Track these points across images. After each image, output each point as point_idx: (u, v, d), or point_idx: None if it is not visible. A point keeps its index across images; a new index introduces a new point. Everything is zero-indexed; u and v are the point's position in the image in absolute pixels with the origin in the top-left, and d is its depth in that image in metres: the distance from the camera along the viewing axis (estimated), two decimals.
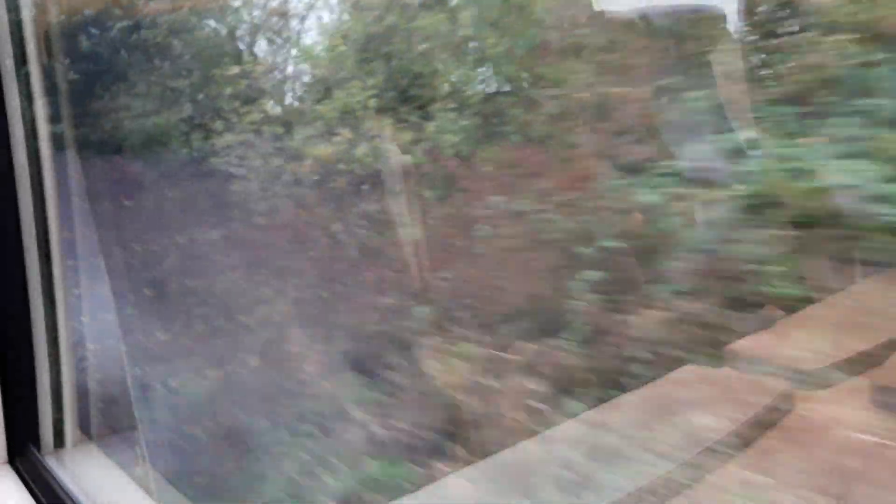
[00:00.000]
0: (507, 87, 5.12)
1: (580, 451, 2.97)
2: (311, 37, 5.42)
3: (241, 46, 5.31)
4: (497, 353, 3.93)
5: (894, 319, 3.19)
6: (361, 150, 4.65)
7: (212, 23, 5.29)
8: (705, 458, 2.71)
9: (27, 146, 2.19)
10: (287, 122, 5.01)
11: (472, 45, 5.26)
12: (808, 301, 3.48)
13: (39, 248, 2.18)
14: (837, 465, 2.75)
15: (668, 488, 2.70)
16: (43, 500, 1.90)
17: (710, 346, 3.34)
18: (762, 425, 2.98)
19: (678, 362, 3.23)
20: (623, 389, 3.19)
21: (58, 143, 2.32)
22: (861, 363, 3.25)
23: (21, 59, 2.18)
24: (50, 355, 2.16)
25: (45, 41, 2.35)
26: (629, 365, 3.34)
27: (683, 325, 3.54)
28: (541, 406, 3.39)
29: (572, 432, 3.12)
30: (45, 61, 2.33)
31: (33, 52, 2.24)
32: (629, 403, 3.11)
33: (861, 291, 3.54)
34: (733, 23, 4.57)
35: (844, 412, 3.00)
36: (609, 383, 3.30)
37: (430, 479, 3.08)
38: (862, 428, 2.91)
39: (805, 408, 3.05)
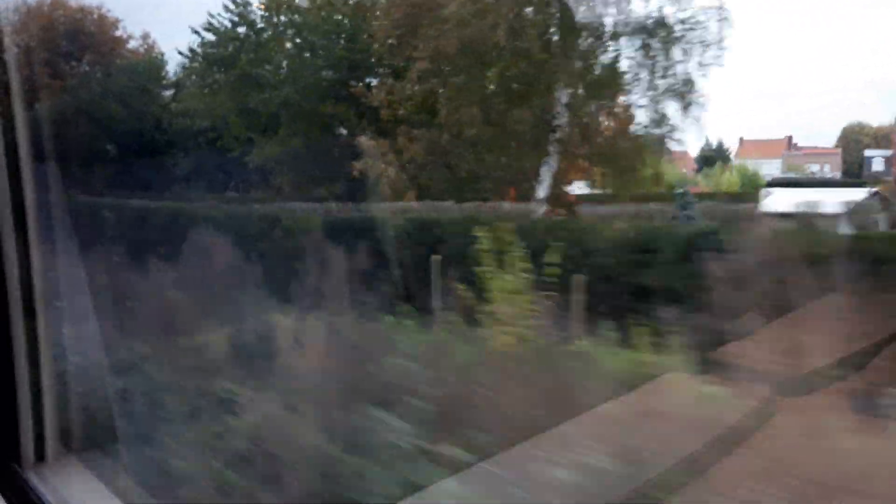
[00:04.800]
0: None
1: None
2: None
3: None
4: None
5: (875, 328, 3.23)
6: None
7: None
8: (684, 466, 2.73)
9: (6, 156, 2.16)
10: None
11: None
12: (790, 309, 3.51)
13: (19, 259, 2.15)
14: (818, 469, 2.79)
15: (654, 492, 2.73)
16: None
17: (693, 353, 3.35)
18: (743, 432, 3.01)
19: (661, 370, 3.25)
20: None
21: (38, 153, 2.29)
22: (841, 369, 3.29)
23: None
24: (30, 369, 2.13)
25: None
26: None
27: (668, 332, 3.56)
28: None
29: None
30: None
31: None
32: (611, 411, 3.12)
33: (837, 301, 3.58)
34: None
35: (825, 417, 3.03)
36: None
37: None
38: (842, 432, 2.95)
39: (786, 413, 3.08)
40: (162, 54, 18.13)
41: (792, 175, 16.94)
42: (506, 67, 11.22)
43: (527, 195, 11.95)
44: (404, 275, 7.97)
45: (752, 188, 14.86)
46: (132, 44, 18.26)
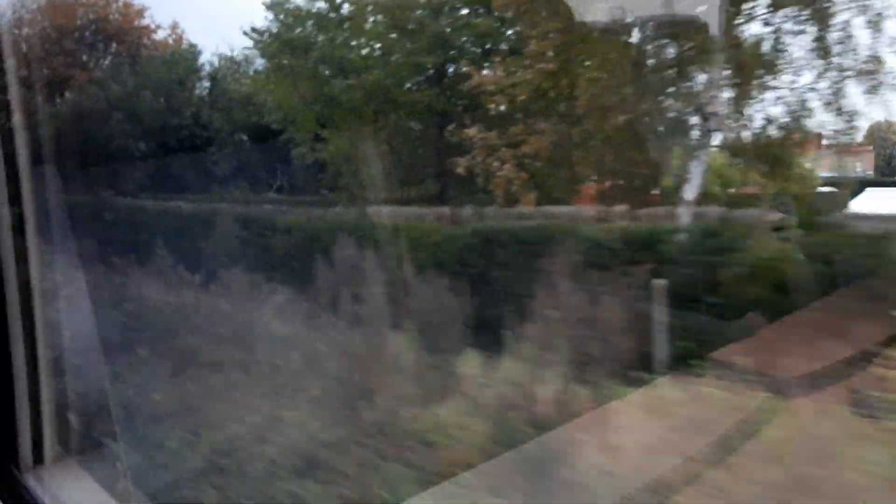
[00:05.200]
0: None
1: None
2: None
3: None
4: None
5: (876, 329, 3.21)
6: None
7: None
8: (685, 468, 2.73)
9: (3, 153, 2.15)
10: None
11: None
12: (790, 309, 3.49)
13: (17, 260, 2.13)
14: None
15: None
16: None
17: (693, 355, 3.33)
18: (742, 434, 3.01)
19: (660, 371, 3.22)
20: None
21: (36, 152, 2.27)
22: (843, 371, 3.28)
23: None
24: (28, 370, 2.12)
25: None
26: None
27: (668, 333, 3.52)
28: None
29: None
30: None
31: None
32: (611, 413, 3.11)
33: (842, 300, 3.55)
34: None
35: (825, 419, 3.02)
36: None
37: None
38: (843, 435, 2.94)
39: (786, 415, 3.08)
40: (194, 45, 17.15)
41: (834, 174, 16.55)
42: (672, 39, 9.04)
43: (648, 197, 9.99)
44: (629, 311, 5.36)
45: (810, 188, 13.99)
46: (160, 34, 17.61)
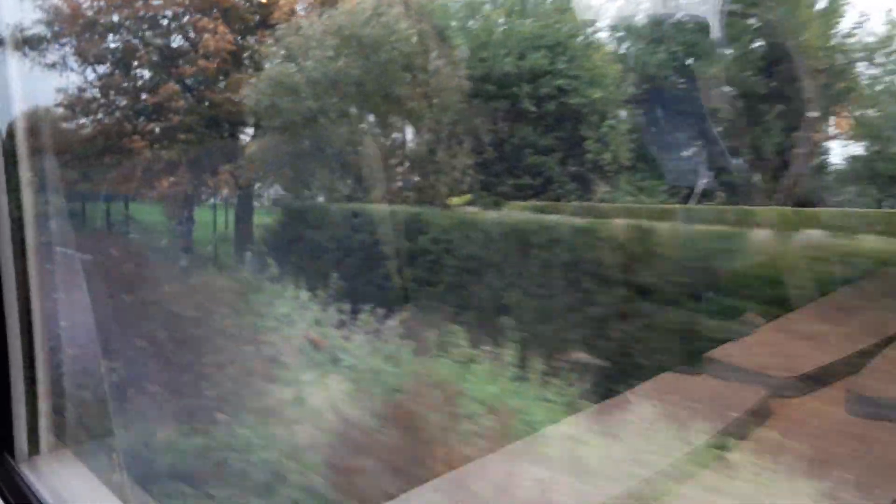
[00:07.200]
0: None
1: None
2: None
3: None
4: None
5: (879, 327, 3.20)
6: None
7: None
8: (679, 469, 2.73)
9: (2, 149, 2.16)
10: None
11: None
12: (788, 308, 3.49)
13: (14, 249, 2.14)
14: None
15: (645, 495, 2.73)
16: None
17: (690, 353, 3.33)
18: (738, 434, 3.00)
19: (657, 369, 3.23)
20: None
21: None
22: (839, 371, 3.28)
23: None
24: (24, 361, 2.13)
25: None
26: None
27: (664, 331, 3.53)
28: None
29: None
30: None
31: None
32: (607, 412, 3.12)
33: (842, 298, 3.55)
34: None
35: (821, 420, 3.02)
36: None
37: None
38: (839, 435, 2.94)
39: (782, 415, 3.08)
40: None
41: None
42: None
43: None
44: None
45: None
46: None
